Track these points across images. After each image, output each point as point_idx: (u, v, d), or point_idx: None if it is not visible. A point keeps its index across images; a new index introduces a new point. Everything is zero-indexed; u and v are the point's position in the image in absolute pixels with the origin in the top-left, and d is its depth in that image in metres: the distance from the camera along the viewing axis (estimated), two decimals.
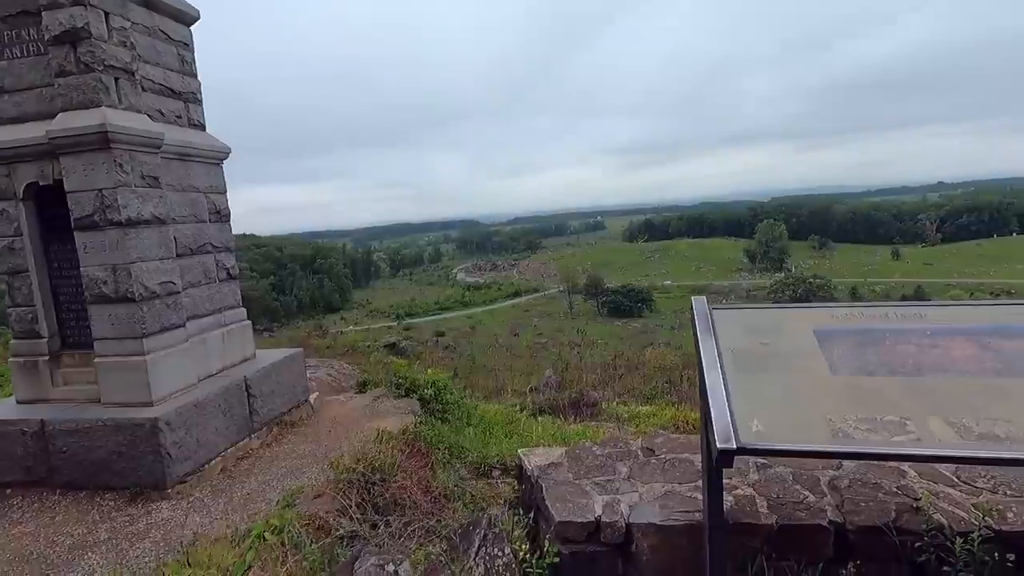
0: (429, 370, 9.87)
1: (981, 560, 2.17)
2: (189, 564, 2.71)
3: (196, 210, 6.32)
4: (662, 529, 2.49)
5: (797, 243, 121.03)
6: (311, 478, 5.65)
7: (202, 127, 6.63)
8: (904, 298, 72.07)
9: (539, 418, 9.21)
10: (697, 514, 2.48)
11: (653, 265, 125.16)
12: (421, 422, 7.32)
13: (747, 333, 2.31)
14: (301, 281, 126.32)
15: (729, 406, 1.99)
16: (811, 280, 68.60)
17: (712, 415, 1.93)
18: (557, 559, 2.57)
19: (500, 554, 2.54)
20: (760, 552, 2.45)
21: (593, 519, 2.56)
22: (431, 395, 8.34)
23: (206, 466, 5.63)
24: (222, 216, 6.75)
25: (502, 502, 4.26)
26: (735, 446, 1.84)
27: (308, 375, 9.93)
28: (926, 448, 1.79)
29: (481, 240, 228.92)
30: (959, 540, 2.18)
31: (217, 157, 6.66)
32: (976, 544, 2.17)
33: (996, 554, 2.13)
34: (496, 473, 5.88)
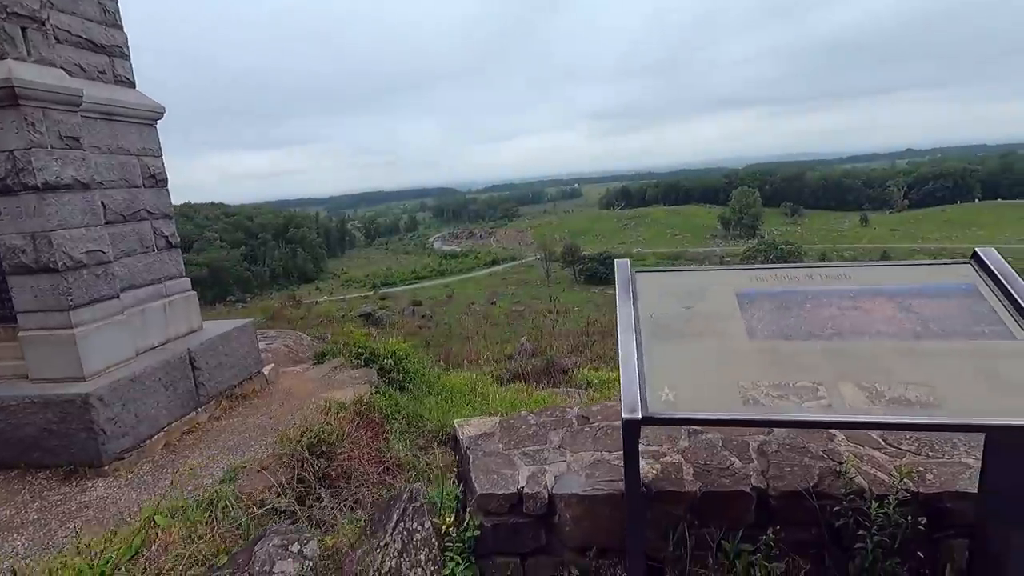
0: (392, 339, 9.73)
1: (896, 523, 2.15)
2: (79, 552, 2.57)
3: (127, 174, 5.95)
4: (584, 499, 2.43)
5: (770, 210, 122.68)
6: (258, 451, 5.51)
7: (131, 84, 6.20)
8: None
9: (511, 385, 9.19)
10: (620, 483, 2.42)
11: (629, 232, 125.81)
12: (378, 392, 7.21)
13: (670, 297, 2.20)
14: (273, 251, 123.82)
15: (640, 375, 1.89)
16: (783, 246, 69.75)
17: (622, 384, 1.83)
18: (478, 532, 2.50)
19: (419, 528, 2.46)
20: (683, 520, 2.41)
21: (516, 491, 2.49)
22: (391, 365, 8.21)
23: (147, 441, 5.44)
24: (158, 181, 6.39)
25: (454, 472, 4.18)
26: (640, 416, 1.75)
27: (265, 346, 9.70)
28: (833, 415, 1.72)
29: (458, 208, 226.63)
30: (875, 504, 2.16)
31: (150, 117, 6.26)
32: (892, 508, 2.15)
33: (909, 517, 2.11)
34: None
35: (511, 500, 2.49)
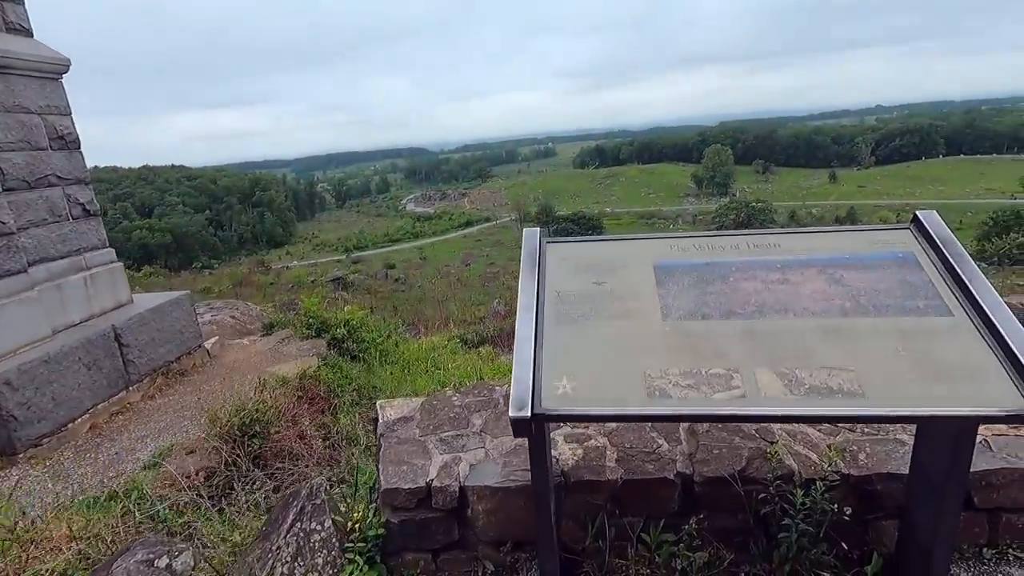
0: (347, 307, 9.39)
1: (823, 510, 2.00)
2: None
3: (29, 135, 5.38)
4: (498, 491, 2.23)
5: (742, 168, 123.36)
6: (191, 432, 5.23)
7: (28, 32, 5.55)
8: (838, 220, 75.39)
9: (479, 350, 8.97)
10: None
11: (603, 192, 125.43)
12: (327, 364, 6.92)
13: (581, 271, 1.95)
14: (240, 215, 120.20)
15: (536, 364, 1.65)
16: (754, 204, 70.25)
17: (513, 375, 1.59)
18: (382, 530, 2.29)
19: (318, 528, 2.24)
20: (603, 510, 2.24)
21: (424, 484, 2.27)
22: (344, 334, 7.89)
23: (69, 426, 5.09)
24: (68, 143, 5.81)
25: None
26: (529, 414, 1.51)
27: (210, 318, 9.27)
28: (745, 407, 1.51)
29: (430, 169, 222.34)
30: (799, 492, 2.00)
31: (53, 71, 5.64)
32: (819, 493, 1.99)
33: (836, 505, 1.96)
34: None
35: (419, 494, 2.28)
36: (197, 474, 4.47)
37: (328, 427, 5.56)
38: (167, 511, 3.72)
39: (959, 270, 1.72)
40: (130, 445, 5.09)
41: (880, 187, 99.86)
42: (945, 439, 1.66)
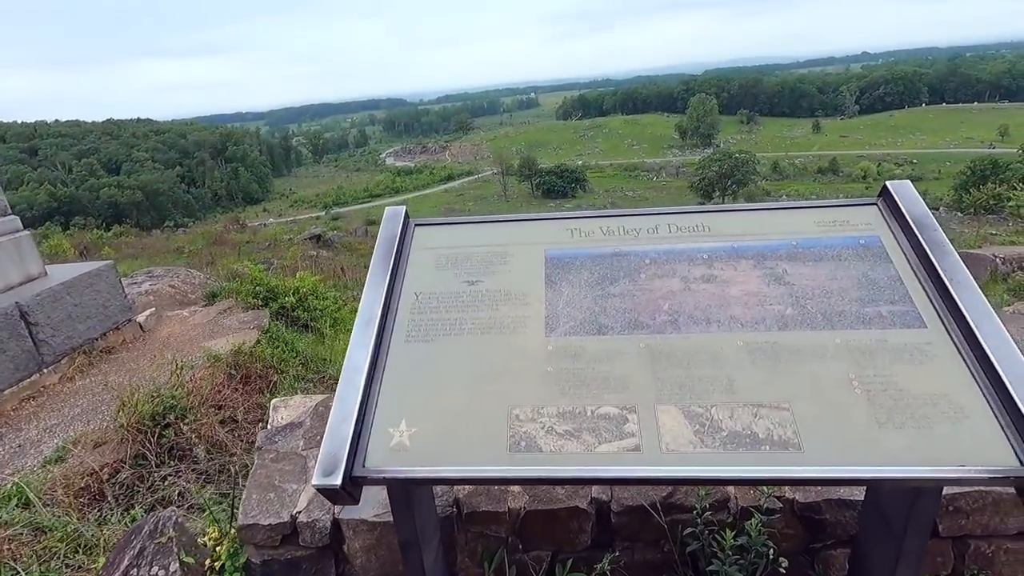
0: (299, 274, 8.85)
1: (762, 544, 1.65)
2: None
3: None
4: (377, 526, 1.84)
5: (727, 118, 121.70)
6: (108, 419, 4.78)
7: None
8: (820, 171, 75.14)
9: None
10: None
11: (587, 144, 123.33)
12: (269, 336, 6.44)
13: (452, 265, 1.49)
14: (213, 171, 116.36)
15: (367, 403, 1.21)
16: (737, 155, 69.33)
17: (329, 423, 1.16)
18: (237, 574, 1.90)
19: (161, 574, 1.84)
20: (504, 545, 1.86)
21: (289, 518, 1.87)
22: (294, 303, 7.39)
23: None
24: None
25: None
26: (339, 483, 1.08)
27: (148, 287, 8.66)
28: (634, 466, 1.09)
29: (409, 121, 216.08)
30: (729, 533, 1.63)
31: None
32: (755, 531, 1.63)
33: (772, 551, 1.59)
34: None
35: (283, 530, 1.88)
36: (101, 470, 4.03)
37: (265, 409, 5.13)
38: (55, 519, 3.29)
39: (937, 264, 1.29)
40: (37, 436, 4.63)
41: (862, 137, 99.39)
42: (904, 497, 1.27)
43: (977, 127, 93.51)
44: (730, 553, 1.62)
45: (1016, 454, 1.05)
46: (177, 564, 1.89)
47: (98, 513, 3.54)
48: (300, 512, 1.90)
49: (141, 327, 6.76)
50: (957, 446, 1.07)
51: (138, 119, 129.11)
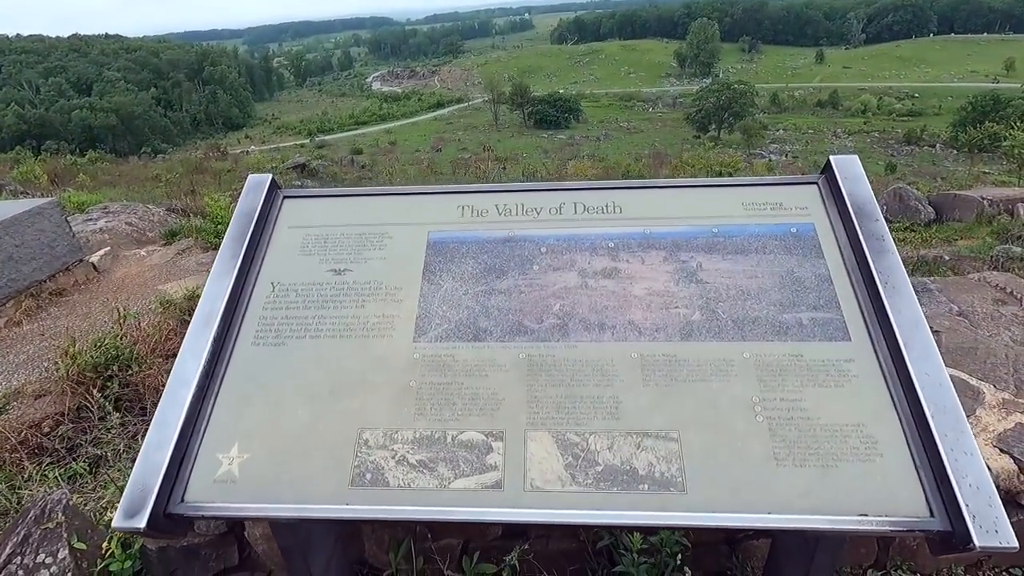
0: None
1: (673, 544, 1.55)
2: None
3: None
4: None
5: (728, 45, 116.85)
6: (53, 368, 4.63)
7: None
8: (820, 104, 73.06)
9: None
10: None
11: (582, 71, 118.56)
12: None
13: (318, 248, 1.27)
14: (191, 94, 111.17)
15: (197, 421, 1.03)
16: (735, 86, 66.91)
17: (143, 447, 0.98)
18: (132, 563, 1.79)
19: (48, 562, 1.74)
20: (411, 531, 1.76)
21: None
22: None
23: None
24: None
25: None
26: (142, 526, 0.92)
27: (103, 224, 8.28)
28: (492, 508, 0.94)
29: (396, 42, 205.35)
30: (637, 536, 1.52)
31: None
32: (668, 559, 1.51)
33: (679, 560, 1.49)
34: None
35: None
36: (42, 423, 3.91)
37: None
38: None
39: (873, 264, 1.09)
40: None
41: (866, 68, 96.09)
42: (803, 542, 1.13)
43: (984, 60, 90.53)
44: (636, 556, 1.52)
45: (927, 502, 0.90)
46: (67, 551, 1.79)
47: (38, 468, 3.43)
48: None
49: (95, 267, 6.49)
50: (863, 488, 0.92)
51: (106, 35, 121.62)
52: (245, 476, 1.00)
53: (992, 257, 5.62)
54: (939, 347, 1.01)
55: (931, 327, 1.03)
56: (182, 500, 0.98)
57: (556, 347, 1.10)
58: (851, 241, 1.17)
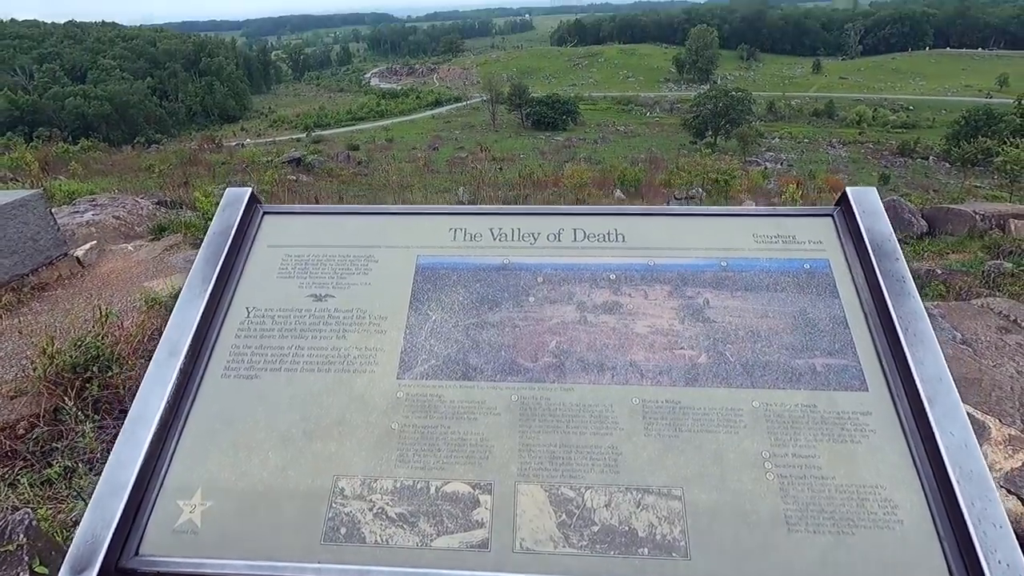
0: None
1: None
2: None
3: None
4: None
5: (726, 52, 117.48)
6: (31, 367, 4.50)
7: None
8: (816, 114, 73.57)
9: None
10: None
11: (581, 73, 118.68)
12: None
13: (299, 271, 1.18)
14: (187, 84, 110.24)
15: (151, 468, 0.94)
16: (733, 93, 67.14)
17: (96, 493, 0.89)
18: None
19: None
20: None
21: None
22: None
23: None
24: None
25: None
26: None
27: (89, 218, 8.13)
28: (476, 571, 0.85)
29: (396, 39, 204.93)
30: None
31: None
32: None
33: None
34: None
35: None
36: (16, 425, 3.78)
37: None
38: None
39: (893, 309, 1.02)
40: None
41: (862, 80, 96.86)
42: None
43: (978, 75, 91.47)
44: None
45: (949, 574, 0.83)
46: (28, 575, 1.69)
47: (10, 473, 3.31)
48: None
49: (80, 262, 6.35)
50: (880, 559, 0.84)
51: (103, 22, 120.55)
52: (207, 526, 0.91)
53: (984, 272, 5.61)
54: None
55: None
56: (136, 553, 0.89)
57: (551, 389, 1.02)
58: (868, 281, 1.09)
